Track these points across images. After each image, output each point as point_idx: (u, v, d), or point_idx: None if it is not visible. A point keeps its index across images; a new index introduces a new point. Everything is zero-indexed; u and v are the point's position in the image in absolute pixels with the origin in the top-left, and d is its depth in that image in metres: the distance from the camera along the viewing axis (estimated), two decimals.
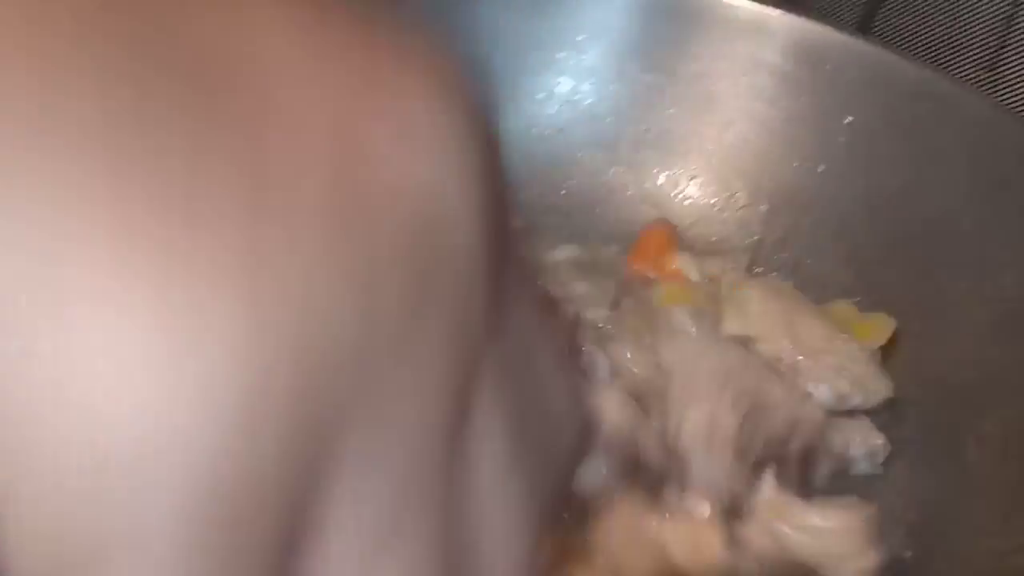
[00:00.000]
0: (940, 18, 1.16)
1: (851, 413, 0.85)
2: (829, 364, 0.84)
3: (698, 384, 0.81)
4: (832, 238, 0.97)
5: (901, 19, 1.20)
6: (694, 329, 0.87)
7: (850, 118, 0.98)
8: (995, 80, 1.18)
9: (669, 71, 1.07)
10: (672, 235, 1.00)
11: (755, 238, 1.02)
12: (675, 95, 1.07)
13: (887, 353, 0.89)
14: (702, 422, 0.79)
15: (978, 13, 1.15)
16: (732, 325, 0.87)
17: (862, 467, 0.83)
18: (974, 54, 1.17)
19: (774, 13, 1.02)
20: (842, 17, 1.24)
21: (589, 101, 1.10)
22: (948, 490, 0.79)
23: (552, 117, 1.11)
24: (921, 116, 0.94)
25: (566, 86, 1.11)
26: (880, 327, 0.90)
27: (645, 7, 1.08)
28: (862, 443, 0.83)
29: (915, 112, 0.94)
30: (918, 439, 0.84)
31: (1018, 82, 1.15)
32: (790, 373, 0.84)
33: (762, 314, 0.87)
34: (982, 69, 1.18)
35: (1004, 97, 1.16)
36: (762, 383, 0.81)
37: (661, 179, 1.07)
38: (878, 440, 0.83)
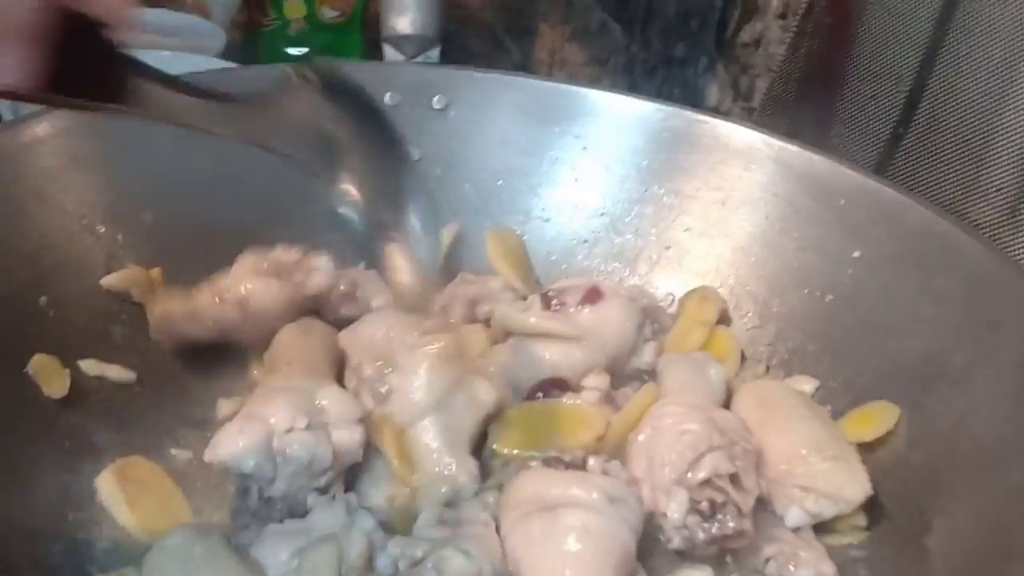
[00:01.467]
0: (960, 165, 1.21)
1: (825, 528, 0.88)
2: (796, 484, 0.87)
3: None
4: (832, 365, 1.01)
5: (919, 163, 1.25)
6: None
7: (858, 252, 1.02)
8: (1016, 226, 1.21)
9: (691, 195, 1.13)
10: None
11: (762, 361, 1.06)
12: (696, 218, 1.13)
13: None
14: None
15: (999, 159, 1.19)
16: None
17: None
18: (994, 201, 1.20)
19: (793, 148, 1.08)
20: (861, 156, 1.29)
21: (614, 217, 1.17)
22: None
23: (578, 230, 1.18)
24: (925, 255, 0.97)
25: (594, 201, 1.18)
26: (883, 415, 0.93)
27: (671, 135, 1.14)
28: (811, 567, 0.84)
29: (920, 251, 0.98)
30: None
31: None
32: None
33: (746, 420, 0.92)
34: (1003, 214, 1.21)
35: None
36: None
37: (677, 296, 1.12)
38: (827, 569, 0.84)
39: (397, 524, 0.86)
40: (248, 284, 0.99)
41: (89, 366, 0.93)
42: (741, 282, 1.10)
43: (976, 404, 0.88)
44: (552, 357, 0.98)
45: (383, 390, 0.96)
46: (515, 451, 0.90)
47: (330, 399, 0.89)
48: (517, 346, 0.99)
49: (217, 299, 0.98)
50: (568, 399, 0.94)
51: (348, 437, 0.87)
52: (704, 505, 0.82)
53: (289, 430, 0.84)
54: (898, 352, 0.96)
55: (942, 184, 1.23)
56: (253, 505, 0.83)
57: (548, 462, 0.84)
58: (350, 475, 0.90)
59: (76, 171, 1.00)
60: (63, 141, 0.99)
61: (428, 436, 0.88)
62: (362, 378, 0.96)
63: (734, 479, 0.83)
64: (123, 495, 0.85)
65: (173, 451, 0.93)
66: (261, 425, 0.84)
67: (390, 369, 0.95)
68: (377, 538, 0.82)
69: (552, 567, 0.76)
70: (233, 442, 0.83)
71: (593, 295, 1.01)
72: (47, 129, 0.98)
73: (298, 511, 0.84)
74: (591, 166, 1.18)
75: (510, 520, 0.80)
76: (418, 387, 0.88)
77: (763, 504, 0.88)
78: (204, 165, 1.07)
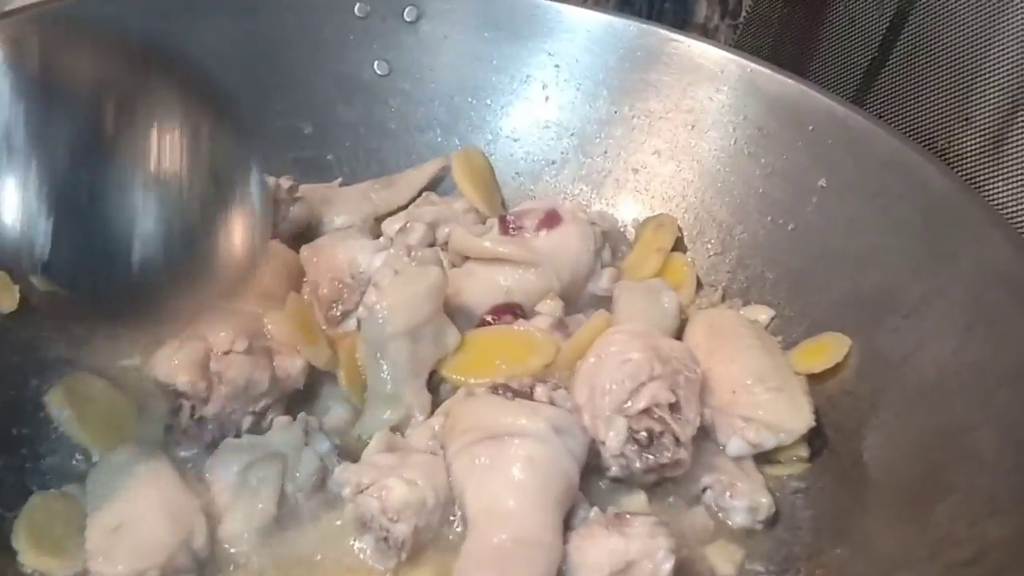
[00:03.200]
0: (942, 96, 1.18)
1: (767, 458, 0.89)
2: (738, 414, 0.87)
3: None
4: (789, 294, 1.00)
5: (901, 92, 1.22)
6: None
7: (823, 181, 1.00)
8: (998, 158, 1.18)
9: (661, 116, 1.11)
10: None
11: (721, 286, 1.05)
12: (665, 141, 1.12)
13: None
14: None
15: (983, 92, 1.16)
16: None
17: (740, 519, 0.85)
18: (975, 133, 1.18)
19: (765, 71, 1.05)
20: (841, 82, 1.26)
21: (583, 138, 1.15)
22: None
23: (547, 151, 1.16)
24: (888, 185, 0.95)
25: (564, 122, 1.16)
26: (834, 346, 0.93)
27: (644, 53, 1.12)
28: (746, 497, 0.85)
29: (884, 180, 0.96)
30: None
31: (1019, 164, 1.16)
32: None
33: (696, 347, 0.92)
34: (985, 146, 1.19)
35: (1008, 176, 1.17)
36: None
37: (641, 220, 1.11)
38: (763, 499, 0.85)
39: (352, 448, 0.86)
40: None
41: (40, 280, 0.92)
42: (706, 208, 1.08)
43: (926, 338, 0.87)
44: (506, 282, 0.98)
45: (338, 311, 0.96)
46: (464, 377, 0.90)
47: (277, 324, 0.89)
48: (472, 270, 0.99)
49: None
50: (520, 325, 0.94)
51: (290, 363, 0.87)
52: (642, 435, 0.82)
53: (227, 352, 0.84)
54: (855, 283, 0.95)
55: (923, 115, 1.20)
56: (184, 423, 0.84)
57: (495, 389, 0.84)
58: (311, 397, 0.91)
59: None
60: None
61: (392, 358, 0.87)
62: (318, 296, 0.96)
63: (674, 408, 0.83)
64: (72, 411, 0.86)
65: (125, 362, 0.93)
66: (200, 345, 0.84)
67: (347, 289, 0.95)
68: (331, 461, 0.83)
69: (496, 495, 0.76)
70: (169, 359, 0.83)
71: (551, 219, 1.00)
72: None
73: (230, 432, 0.85)
74: (562, 85, 1.16)
75: (456, 446, 0.80)
76: (397, 309, 0.86)
77: (706, 433, 0.88)
78: None
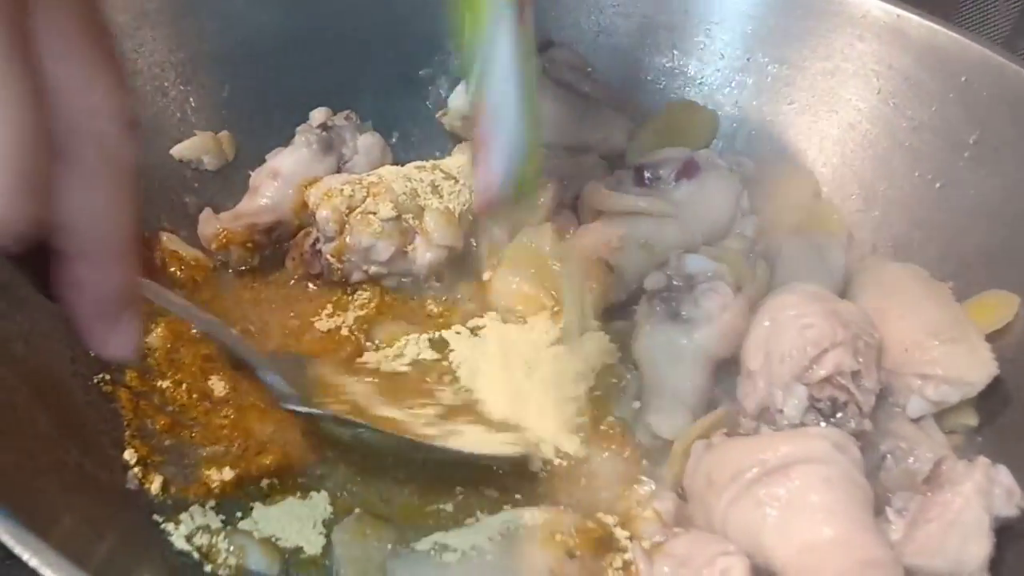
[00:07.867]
0: None
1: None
2: (914, 372, 0.82)
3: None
4: (939, 255, 0.95)
5: None
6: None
7: (976, 135, 0.94)
8: None
9: (797, 65, 1.06)
10: None
11: (868, 246, 1.00)
12: (801, 90, 1.06)
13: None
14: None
15: None
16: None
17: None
18: None
19: (913, 18, 0.99)
20: (990, 30, 1.19)
21: (714, 87, 1.10)
22: None
23: (673, 99, 1.11)
24: None
25: (692, 69, 1.10)
26: (1002, 305, 0.88)
27: None
28: (929, 464, 0.79)
29: None
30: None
31: None
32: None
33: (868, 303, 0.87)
34: None
35: None
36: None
37: (776, 174, 1.05)
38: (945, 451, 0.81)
39: None
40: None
41: (168, 240, 0.91)
42: (846, 162, 1.03)
43: None
44: (643, 237, 0.94)
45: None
46: None
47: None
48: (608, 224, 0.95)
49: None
50: None
51: (421, 252, 0.94)
52: (824, 404, 0.78)
53: (371, 213, 0.91)
54: (1013, 245, 0.90)
55: None
56: (304, 248, 0.95)
57: (729, 434, 0.80)
58: None
59: (148, 28, 0.96)
60: None
61: None
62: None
63: (855, 376, 0.79)
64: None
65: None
66: (357, 193, 0.93)
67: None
68: None
69: (807, 528, 0.70)
70: (325, 190, 0.93)
71: (689, 168, 0.96)
72: None
73: (333, 276, 0.95)
74: (691, 30, 1.10)
75: (731, 493, 0.73)
76: None
77: (881, 396, 0.82)
78: (277, 26, 1.03)
